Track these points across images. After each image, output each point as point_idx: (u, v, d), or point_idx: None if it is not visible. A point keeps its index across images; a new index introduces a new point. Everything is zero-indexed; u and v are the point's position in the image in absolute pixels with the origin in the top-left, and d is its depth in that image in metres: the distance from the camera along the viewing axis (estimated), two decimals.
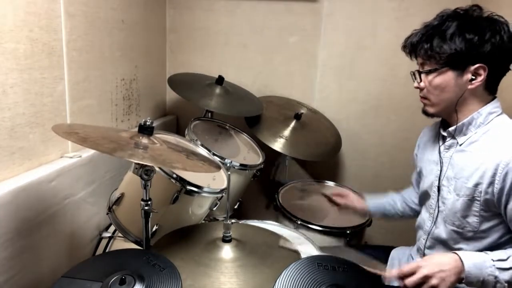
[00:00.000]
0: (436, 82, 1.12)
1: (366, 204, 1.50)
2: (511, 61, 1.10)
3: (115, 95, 1.80)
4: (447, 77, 1.10)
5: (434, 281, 0.97)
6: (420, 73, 1.15)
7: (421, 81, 1.15)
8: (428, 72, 1.13)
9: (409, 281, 0.99)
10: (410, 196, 1.49)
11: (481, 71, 1.07)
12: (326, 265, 0.98)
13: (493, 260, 1.00)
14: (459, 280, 0.99)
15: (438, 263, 1.00)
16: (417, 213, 1.46)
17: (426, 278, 0.98)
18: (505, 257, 1.01)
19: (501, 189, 1.04)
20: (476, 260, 1.00)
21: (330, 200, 1.51)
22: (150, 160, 1.00)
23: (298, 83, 2.21)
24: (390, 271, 1.05)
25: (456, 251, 1.04)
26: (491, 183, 1.05)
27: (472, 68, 1.07)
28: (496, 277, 0.99)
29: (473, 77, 1.08)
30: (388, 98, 2.11)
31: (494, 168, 1.04)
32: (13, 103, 1.23)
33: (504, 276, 0.99)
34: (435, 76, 1.11)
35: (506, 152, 1.03)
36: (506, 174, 1.02)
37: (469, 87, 1.09)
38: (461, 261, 1.00)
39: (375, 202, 1.50)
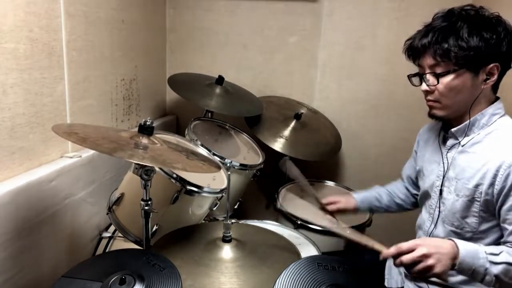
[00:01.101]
0: (453, 84, 1.08)
1: (354, 200, 1.48)
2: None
3: (115, 95, 1.80)
4: (464, 78, 1.07)
5: (430, 261, 0.97)
6: (437, 75, 1.09)
7: (437, 83, 1.09)
8: (444, 74, 1.08)
9: (407, 257, 0.99)
10: (396, 191, 1.50)
11: (495, 71, 1.06)
12: (326, 265, 0.99)
13: (486, 253, 1.00)
14: (453, 265, 0.99)
15: (436, 245, 1.00)
16: (401, 208, 1.49)
17: (423, 257, 0.97)
18: (497, 252, 1.01)
19: (501, 189, 1.03)
20: (470, 249, 1.00)
21: (325, 210, 1.49)
22: (150, 161, 1.00)
23: (298, 83, 2.21)
24: (388, 249, 1.03)
25: (452, 238, 1.03)
26: (492, 184, 1.05)
27: (488, 68, 1.06)
28: (486, 269, 0.99)
29: (488, 77, 1.07)
30: (388, 98, 2.11)
31: (496, 169, 1.04)
32: (13, 103, 1.23)
33: (494, 269, 0.99)
34: (453, 78, 1.07)
35: (509, 153, 1.03)
36: (507, 176, 1.02)
37: (483, 87, 1.08)
38: (457, 247, 0.99)
39: (362, 196, 1.49)
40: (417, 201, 1.44)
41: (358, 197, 1.49)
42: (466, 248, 1.00)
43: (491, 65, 1.06)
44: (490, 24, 1.05)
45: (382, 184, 1.57)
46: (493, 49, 1.04)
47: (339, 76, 2.16)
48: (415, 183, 1.43)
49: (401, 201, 1.48)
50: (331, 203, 1.47)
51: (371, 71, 2.10)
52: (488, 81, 1.07)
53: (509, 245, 1.04)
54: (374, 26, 2.05)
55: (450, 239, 1.02)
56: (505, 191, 1.03)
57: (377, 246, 1.06)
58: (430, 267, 0.97)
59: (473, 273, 1.00)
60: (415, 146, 1.41)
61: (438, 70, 1.09)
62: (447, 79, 1.08)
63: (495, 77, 1.07)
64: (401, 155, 2.09)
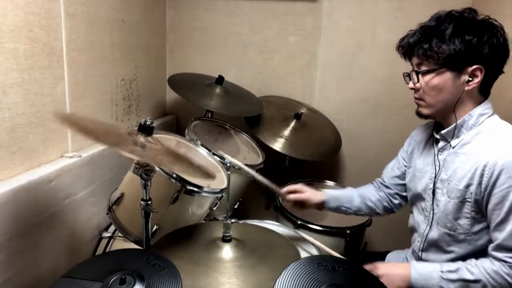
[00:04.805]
0: (434, 83, 1.11)
1: (322, 195, 1.45)
2: (504, 64, 1.10)
3: (115, 95, 1.80)
4: (445, 78, 1.10)
5: (381, 274, 1.13)
6: (417, 73, 1.14)
7: (418, 81, 1.14)
8: (425, 73, 1.12)
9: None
10: (368, 194, 1.49)
11: (478, 73, 1.07)
12: (326, 265, 0.98)
13: (442, 272, 1.08)
14: (408, 286, 1.13)
15: (391, 268, 1.18)
16: (372, 212, 1.49)
17: (376, 273, 1.13)
18: (453, 269, 1.07)
19: (485, 188, 1.05)
20: (424, 270, 1.12)
21: (293, 203, 1.47)
22: (150, 159, 1.00)
23: (298, 83, 2.21)
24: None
25: (414, 262, 1.17)
26: (480, 183, 1.06)
27: (470, 69, 1.07)
28: (441, 287, 1.08)
29: (470, 79, 1.08)
30: (388, 98, 2.11)
31: (482, 169, 1.05)
32: (13, 103, 1.23)
33: (451, 286, 1.06)
34: (433, 76, 1.11)
35: (493, 152, 1.04)
36: (491, 174, 1.03)
37: (466, 88, 1.09)
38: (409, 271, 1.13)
39: (333, 195, 1.47)
40: (390, 206, 1.46)
41: (329, 194, 1.47)
42: (419, 271, 1.13)
43: (474, 66, 1.06)
44: (475, 26, 1.06)
45: None
46: (474, 51, 1.05)
47: (339, 76, 2.16)
48: (402, 184, 1.42)
49: (372, 204, 1.47)
50: (293, 192, 1.46)
51: (371, 71, 2.10)
52: (470, 83, 1.08)
53: (491, 248, 1.06)
54: (374, 26, 2.05)
55: (410, 263, 1.16)
56: (488, 189, 1.04)
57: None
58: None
59: None
60: (406, 146, 1.40)
61: (423, 68, 1.13)
62: (428, 77, 1.12)
63: (479, 79, 1.08)
64: None
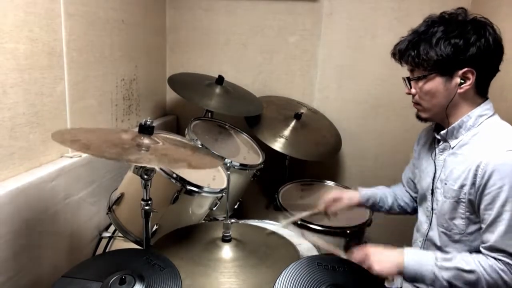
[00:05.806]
0: (426, 88, 1.12)
1: (357, 196, 1.46)
2: (499, 63, 1.10)
3: (115, 95, 1.80)
4: (436, 83, 1.10)
5: (371, 260, 1.10)
6: (409, 79, 1.16)
7: (411, 87, 1.16)
8: (417, 79, 1.13)
9: (355, 255, 1.14)
10: (400, 193, 1.49)
11: (470, 75, 1.07)
12: (326, 265, 0.99)
13: (437, 259, 1.06)
14: (399, 271, 1.09)
15: (383, 249, 1.13)
16: (403, 211, 1.49)
17: (367, 256, 1.11)
18: (449, 257, 1.06)
19: (478, 188, 1.05)
20: (418, 256, 1.09)
21: (327, 214, 1.50)
22: (157, 162, 1.00)
23: (298, 83, 2.21)
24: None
25: (407, 248, 1.13)
26: (473, 183, 1.06)
27: (460, 72, 1.07)
28: (434, 273, 1.04)
29: (462, 81, 1.08)
30: (388, 98, 2.11)
31: (475, 170, 1.05)
32: (13, 103, 1.23)
33: (444, 274, 1.04)
34: (425, 82, 1.12)
35: (487, 153, 1.04)
36: (483, 175, 1.03)
37: (459, 91, 1.09)
38: (403, 255, 1.10)
39: (369, 193, 1.48)
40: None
41: (365, 193, 1.48)
42: (413, 256, 1.10)
43: (464, 69, 1.06)
44: (462, 28, 1.06)
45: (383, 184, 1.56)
46: (461, 54, 1.05)
47: (339, 76, 2.16)
48: (416, 186, 1.43)
49: (404, 204, 1.47)
50: (334, 201, 1.47)
51: (371, 71, 2.10)
52: (463, 86, 1.08)
53: (483, 247, 1.05)
54: (374, 26, 2.05)
55: (403, 249, 1.12)
56: (480, 190, 1.04)
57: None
58: (370, 266, 1.10)
59: (422, 278, 1.07)
60: (415, 146, 1.41)
61: (415, 75, 1.14)
62: (420, 83, 1.13)
63: (471, 81, 1.07)
64: (401, 156, 2.10)
